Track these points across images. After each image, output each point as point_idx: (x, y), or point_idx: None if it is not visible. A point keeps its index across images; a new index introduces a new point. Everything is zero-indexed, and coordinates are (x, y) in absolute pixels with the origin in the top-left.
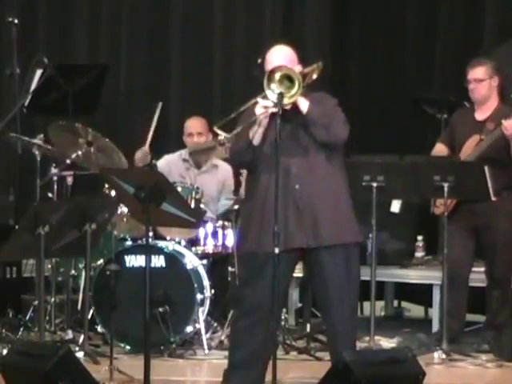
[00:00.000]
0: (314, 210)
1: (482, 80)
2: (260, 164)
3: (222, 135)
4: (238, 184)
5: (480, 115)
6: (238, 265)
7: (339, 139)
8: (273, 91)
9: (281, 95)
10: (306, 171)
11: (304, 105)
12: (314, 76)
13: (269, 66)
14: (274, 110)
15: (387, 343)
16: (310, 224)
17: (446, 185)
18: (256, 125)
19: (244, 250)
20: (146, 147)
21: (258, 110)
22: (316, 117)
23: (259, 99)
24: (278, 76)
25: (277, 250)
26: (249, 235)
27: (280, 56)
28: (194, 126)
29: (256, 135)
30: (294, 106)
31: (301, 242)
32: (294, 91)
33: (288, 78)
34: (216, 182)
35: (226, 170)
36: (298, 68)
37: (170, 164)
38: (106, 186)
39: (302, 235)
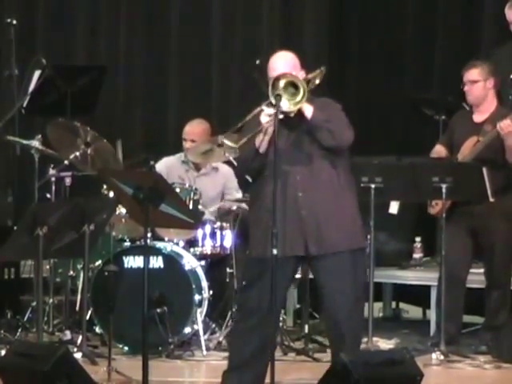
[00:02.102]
0: (318, 217)
1: (476, 81)
2: (266, 171)
3: (230, 145)
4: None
5: (478, 117)
6: (242, 267)
7: (344, 143)
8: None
9: (279, 96)
10: (310, 178)
11: (308, 110)
12: (317, 81)
13: (272, 73)
14: (280, 116)
15: (385, 344)
16: (313, 231)
17: (444, 186)
18: (262, 133)
19: (251, 255)
20: None
21: (264, 119)
22: (321, 122)
23: (264, 107)
24: (282, 83)
25: (275, 252)
26: (257, 240)
27: (283, 62)
28: (188, 132)
29: (262, 143)
30: (299, 112)
31: (302, 249)
32: (299, 98)
33: (293, 85)
34: (216, 184)
35: (226, 171)
36: (301, 74)
37: (169, 166)
38: (105, 186)
39: (304, 243)
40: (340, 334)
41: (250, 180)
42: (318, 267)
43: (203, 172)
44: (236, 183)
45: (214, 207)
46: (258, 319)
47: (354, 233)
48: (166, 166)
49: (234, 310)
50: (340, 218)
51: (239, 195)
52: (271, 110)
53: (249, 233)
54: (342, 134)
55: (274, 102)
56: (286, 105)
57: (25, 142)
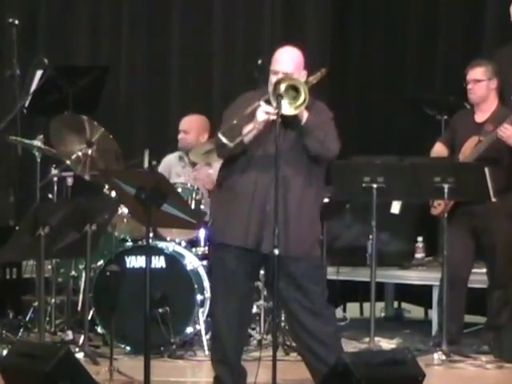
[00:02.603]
0: (288, 220)
1: (479, 80)
2: (246, 160)
3: (225, 141)
4: None
5: (479, 117)
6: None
7: (331, 154)
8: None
9: (280, 97)
10: (284, 179)
11: (303, 115)
12: (315, 81)
13: (276, 65)
14: (274, 117)
15: (387, 344)
16: (282, 233)
17: (446, 186)
18: (252, 124)
19: (221, 241)
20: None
21: (260, 115)
22: (313, 128)
23: (262, 102)
24: (283, 86)
25: (276, 252)
26: (221, 224)
27: (288, 58)
28: (182, 123)
29: (249, 134)
30: (293, 115)
31: (254, 243)
32: (299, 102)
33: (294, 89)
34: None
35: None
36: (303, 74)
37: (169, 164)
38: (107, 186)
39: (259, 237)
40: (300, 337)
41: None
42: (269, 268)
43: (198, 167)
44: None
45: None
46: (230, 303)
47: (308, 240)
48: (166, 164)
49: None
50: (300, 224)
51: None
52: (268, 108)
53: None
54: (329, 144)
55: (274, 102)
56: (287, 108)
57: (27, 141)
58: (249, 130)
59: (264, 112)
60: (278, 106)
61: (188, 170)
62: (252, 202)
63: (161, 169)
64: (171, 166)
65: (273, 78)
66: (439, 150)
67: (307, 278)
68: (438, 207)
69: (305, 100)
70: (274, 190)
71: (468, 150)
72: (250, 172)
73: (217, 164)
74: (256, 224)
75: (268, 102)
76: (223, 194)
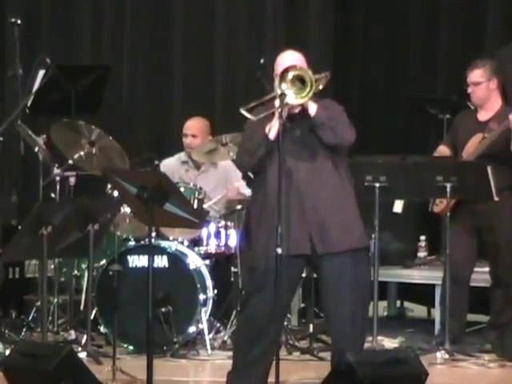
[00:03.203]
0: (321, 216)
1: (479, 83)
2: (269, 167)
3: (249, 116)
4: None
5: (482, 116)
6: (246, 267)
7: (346, 141)
8: (283, 89)
9: (284, 95)
10: (314, 176)
11: (312, 107)
12: (321, 86)
13: (279, 69)
14: (283, 113)
15: (390, 343)
16: (316, 230)
17: (448, 185)
18: (274, 118)
19: (255, 255)
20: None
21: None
22: (323, 119)
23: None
24: (290, 76)
25: (279, 251)
26: (260, 240)
27: (291, 61)
28: (189, 127)
29: (273, 129)
30: (303, 109)
31: (306, 248)
32: (305, 92)
33: (300, 80)
34: (217, 179)
35: (225, 164)
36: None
37: (169, 168)
38: (109, 186)
39: (308, 241)
40: (341, 334)
41: (251, 176)
42: (321, 266)
43: (203, 170)
44: (237, 173)
45: (217, 197)
46: (262, 322)
47: (356, 232)
48: (167, 168)
49: (238, 309)
50: (342, 218)
51: (244, 189)
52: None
53: (251, 231)
54: (343, 132)
55: (278, 94)
56: (292, 98)
57: (32, 134)
58: (272, 125)
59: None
60: (281, 102)
61: (193, 173)
62: (288, 210)
63: None
64: (173, 169)
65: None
66: (442, 151)
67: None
68: (440, 204)
69: (310, 90)
70: (306, 191)
71: (472, 147)
72: (274, 178)
73: (222, 163)
74: (299, 229)
75: (280, 95)
76: (259, 212)
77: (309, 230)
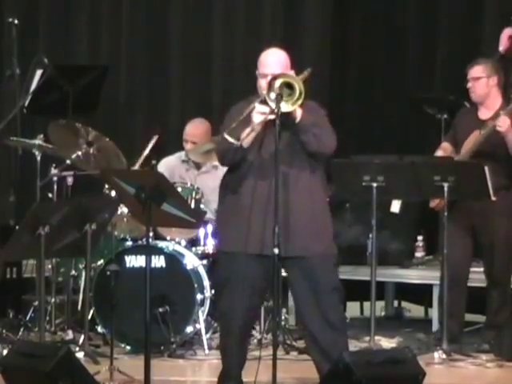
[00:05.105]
0: (290, 219)
1: (479, 78)
2: (246, 165)
3: (232, 141)
4: None
5: (483, 114)
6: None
7: (328, 149)
8: (272, 99)
9: (280, 96)
10: (289, 180)
11: (298, 113)
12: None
13: (262, 69)
14: (272, 116)
15: (387, 343)
16: (284, 233)
17: (446, 185)
18: (249, 128)
19: (223, 250)
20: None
21: (256, 117)
22: (308, 125)
23: (257, 104)
24: (278, 83)
25: (276, 251)
26: (225, 235)
27: (275, 60)
28: (190, 133)
29: (248, 138)
30: (288, 113)
31: (268, 249)
32: (295, 98)
33: (288, 86)
34: (217, 182)
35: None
36: (291, 73)
37: (170, 166)
38: (107, 186)
39: (272, 243)
40: (317, 337)
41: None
42: (288, 270)
43: (204, 170)
44: None
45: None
46: (230, 317)
47: (325, 239)
48: (167, 166)
49: None
50: (313, 223)
51: None
52: (263, 108)
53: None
54: (326, 140)
55: (272, 101)
56: (283, 105)
57: (27, 141)
58: (247, 134)
59: (260, 113)
60: (277, 104)
61: (193, 173)
62: (251, 208)
63: (161, 171)
64: (173, 168)
65: (261, 82)
66: (445, 146)
67: (324, 277)
68: (435, 199)
69: (300, 95)
70: (282, 196)
71: (469, 143)
72: (257, 181)
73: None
74: (264, 229)
75: (263, 102)
76: (227, 202)
77: (275, 231)
